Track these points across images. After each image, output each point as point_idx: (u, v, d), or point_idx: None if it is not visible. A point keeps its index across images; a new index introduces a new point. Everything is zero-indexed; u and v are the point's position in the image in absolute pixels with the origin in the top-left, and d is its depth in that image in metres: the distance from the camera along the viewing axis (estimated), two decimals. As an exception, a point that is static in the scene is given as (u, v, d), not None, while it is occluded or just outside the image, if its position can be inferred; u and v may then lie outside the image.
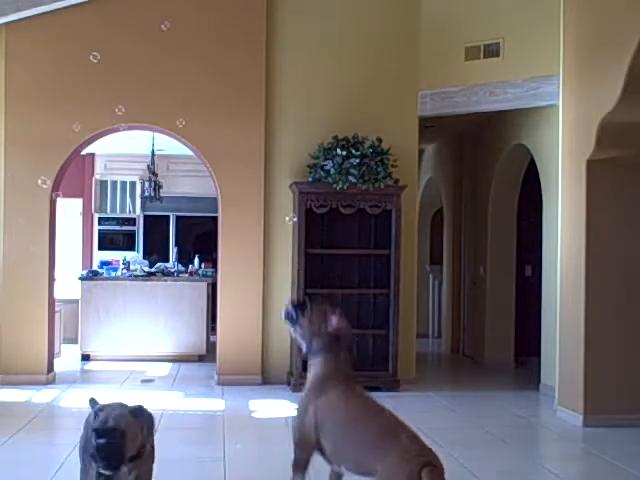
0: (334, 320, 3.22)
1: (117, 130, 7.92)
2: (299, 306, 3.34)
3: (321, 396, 3.12)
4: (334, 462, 3.12)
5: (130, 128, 8.04)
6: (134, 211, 12.36)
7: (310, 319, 3.26)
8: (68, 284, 9.80)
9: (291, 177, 7.82)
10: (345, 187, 7.42)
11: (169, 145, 9.85)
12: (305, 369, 7.68)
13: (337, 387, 3.13)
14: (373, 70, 8.00)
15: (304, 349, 3.32)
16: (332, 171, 7.40)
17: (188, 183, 12.13)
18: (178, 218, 12.66)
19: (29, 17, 7.54)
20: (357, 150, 7.43)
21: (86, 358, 9.37)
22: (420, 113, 7.99)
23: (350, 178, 7.40)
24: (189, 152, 8.36)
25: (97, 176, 12.27)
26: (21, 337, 7.65)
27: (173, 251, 11.78)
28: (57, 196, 7.65)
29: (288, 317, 3.34)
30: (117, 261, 10.17)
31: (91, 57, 6.97)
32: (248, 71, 7.85)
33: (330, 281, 7.84)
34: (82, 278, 9.49)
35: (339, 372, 3.18)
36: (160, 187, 11.01)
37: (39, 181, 7.30)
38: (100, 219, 12.41)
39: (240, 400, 7.06)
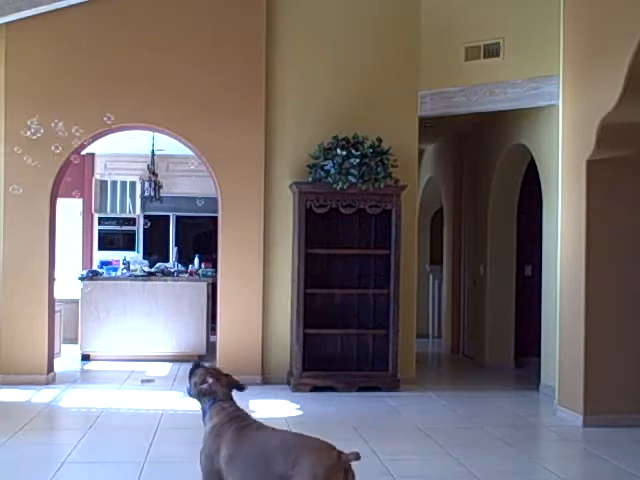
0: (208, 383, 3.54)
1: (117, 130, 7.95)
2: (193, 368, 3.67)
3: (223, 437, 3.35)
4: None
5: (132, 128, 8.06)
6: (134, 211, 12.36)
7: (195, 382, 3.59)
8: (68, 284, 9.80)
9: (291, 177, 7.83)
10: (345, 187, 7.42)
11: (169, 145, 9.85)
12: (305, 369, 7.72)
13: (231, 426, 3.38)
14: (373, 70, 8.00)
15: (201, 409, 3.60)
16: (332, 171, 7.40)
17: (188, 183, 12.13)
18: (178, 218, 12.67)
19: (29, 17, 7.54)
20: (357, 150, 7.44)
21: (86, 358, 9.37)
22: (420, 113, 7.99)
23: (350, 178, 7.40)
24: (189, 152, 8.37)
25: (97, 176, 12.26)
26: (21, 337, 7.65)
27: (173, 251, 11.79)
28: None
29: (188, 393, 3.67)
30: (117, 261, 10.18)
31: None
32: (248, 71, 7.85)
33: (330, 281, 7.84)
34: (82, 278, 9.49)
35: (232, 416, 3.45)
36: (160, 187, 11.02)
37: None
38: (100, 219, 12.42)
39: (240, 400, 7.04)
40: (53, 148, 6.83)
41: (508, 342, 9.30)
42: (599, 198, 6.26)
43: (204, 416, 3.53)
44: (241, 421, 3.43)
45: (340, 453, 3.09)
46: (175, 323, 9.40)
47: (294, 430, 5.99)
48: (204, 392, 3.54)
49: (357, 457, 3.09)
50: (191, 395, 3.65)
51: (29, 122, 6.52)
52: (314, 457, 3.06)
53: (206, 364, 3.76)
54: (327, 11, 8.02)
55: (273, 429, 3.42)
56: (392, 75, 8.01)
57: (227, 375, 3.66)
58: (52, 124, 6.64)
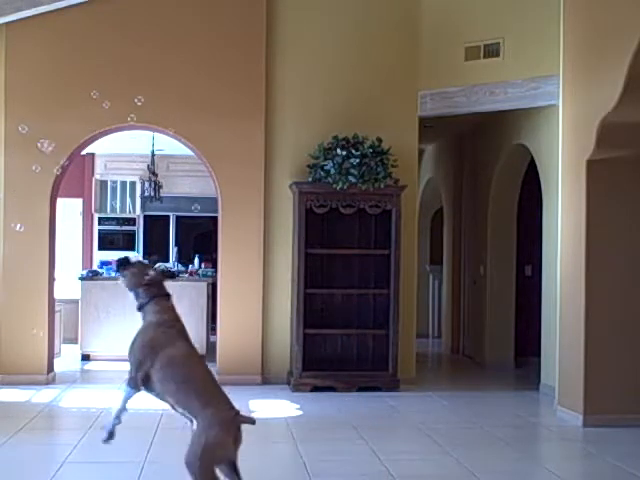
0: (151, 273, 3.96)
1: (117, 130, 7.96)
2: (124, 262, 4.05)
3: (170, 341, 3.82)
4: (157, 391, 3.81)
5: (132, 128, 8.07)
6: (134, 211, 12.36)
7: (134, 272, 3.98)
8: (68, 284, 9.80)
9: (291, 177, 7.82)
10: (345, 187, 7.42)
11: (169, 145, 9.85)
12: (305, 369, 7.70)
13: (180, 336, 3.85)
14: (373, 70, 8.00)
15: (135, 298, 4.05)
16: (332, 171, 7.40)
17: (188, 183, 12.13)
18: (178, 218, 12.67)
19: (29, 17, 7.54)
20: (357, 150, 7.43)
21: (86, 358, 9.37)
22: (420, 113, 7.99)
23: (350, 178, 7.40)
24: (189, 152, 8.37)
25: (97, 176, 12.27)
26: (21, 337, 7.65)
27: (173, 251, 11.79)
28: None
29: (117, 267, 4.07)
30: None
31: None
32: (248, 71, 7.85)
33: (330, 281, 7.84)
34: (82, 278, 9.49)
35: (174, 317, 3.91)
36: (160, 187, 11.02)
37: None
38: (100, 219, 12.42)
39: (240, 400, 7.02)
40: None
41: (508, 342, 9.29)
42: (599, 198, 6.26)
43: (146, 305, 3.95)
44: (186, 333, 3.88)
45: (237, 414, 3.67)
46: (175, 323, 9.37)
47: (294, 430, 6.01)
48: (150, 282, 3.92)
49: (252, 422, 3.74)
50: (127, 285, 4.02)
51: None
52: (215, 409, 3.62)
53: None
54: (327, 11, 8.01)
55: (204, 368, 3.88)
56: (392, 75, 8.01)
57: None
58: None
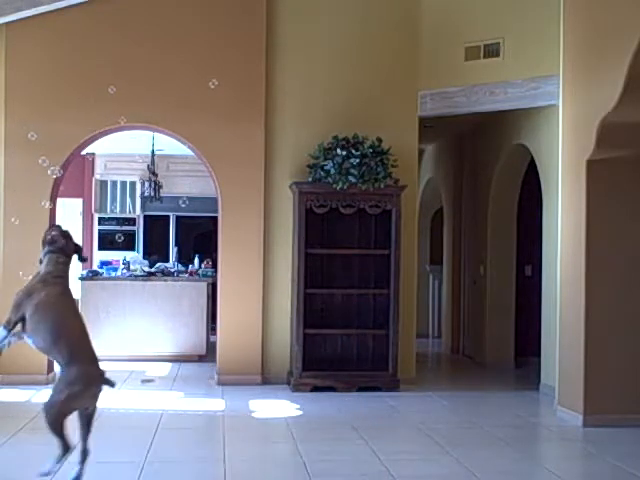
0: (52, 232, 4.41)
1: (117, 130, 7.96)
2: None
3: (47, 287, 4.22)
4: (29, 332, 4.21)
5: (132, 128, 8.07)
6: (134, 211, 12.37)
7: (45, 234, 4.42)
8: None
9: (291, 177, 7.83)
10: (345, 187, 7.42)
11: (169, 145, 9.85)
12: (305, 369, 7.73)
13: (58, 285, 4.27)
14: (373, 70, 8.00)
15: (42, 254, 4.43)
16: (332, 171, 7.40)
17: (188, 183, 12.14)
18: (178, 218, 12.67)
19: (29, 17, 7.54)
20: (357, 150, 7.44)
21: (86, 358, 9.35)
22: (420, 113, 7.99)
23: (350, 178, 7.40)
24: (189, 152, 8.37)
25: (97, 176, 12.27)
26: (21, 337, 7.63)
27: (173, 251, 11.79)
28: (56, 172, 7.61)
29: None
30: (117, 261, 10.17)
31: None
32: (248, 71, 7.85)
33: (330, 281, 7.84)
34: (82, 278, 9.49)
35: (60, 272, 4.32)
36: (160, 187, 11.02)
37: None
38: (100, 219, 12.43)
39: (240, 400, 7.06)
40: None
41: (508, 342, 9.29)
42: (599, 198, 6.26)
43: (42, 258, 4.36)
44: (68, 288, 4.31)
45: (102, 374, 4.15)
46: (175, 323, 9.39)
47: (294, 430, 6.02)
48: (47, 240, 4.34)
49: (112, 385, 4.18)
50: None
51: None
52: (80, 366, 4.09)
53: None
54: (327, 12, 8.01)
55: (78, 319, 4.31)
56: (392, 75, 8.01)
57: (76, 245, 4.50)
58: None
